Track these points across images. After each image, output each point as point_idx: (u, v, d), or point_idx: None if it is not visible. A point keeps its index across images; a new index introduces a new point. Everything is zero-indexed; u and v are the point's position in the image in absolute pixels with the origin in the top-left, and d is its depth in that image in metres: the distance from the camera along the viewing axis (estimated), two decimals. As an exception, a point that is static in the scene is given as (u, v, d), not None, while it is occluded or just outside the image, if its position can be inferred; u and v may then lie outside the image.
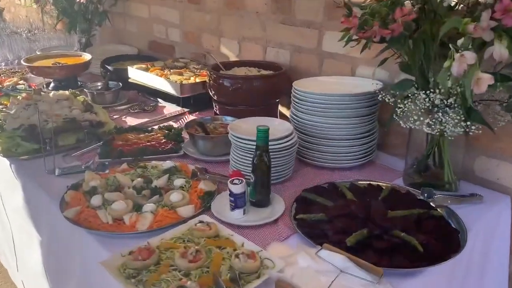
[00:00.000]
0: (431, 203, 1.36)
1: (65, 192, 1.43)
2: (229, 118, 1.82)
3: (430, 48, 1.28)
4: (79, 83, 2.60)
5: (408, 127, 1.36)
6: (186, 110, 2.19)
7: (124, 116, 2.21)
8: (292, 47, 2.02)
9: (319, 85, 1.72)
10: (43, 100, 2.04)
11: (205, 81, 2.17)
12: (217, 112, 2.00)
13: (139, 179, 1.45)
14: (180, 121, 2.13)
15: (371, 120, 1.61)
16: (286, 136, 1.47)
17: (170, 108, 2.27)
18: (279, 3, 2.01)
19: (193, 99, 2.23)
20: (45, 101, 2.07)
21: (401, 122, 1.37)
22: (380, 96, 1.41)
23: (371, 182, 1.49)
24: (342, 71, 1.85)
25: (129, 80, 2.44)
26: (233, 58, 2.33)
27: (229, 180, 1.30)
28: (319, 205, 1.34)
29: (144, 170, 1.55)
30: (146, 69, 2.40)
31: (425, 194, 1.40)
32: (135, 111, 2.26)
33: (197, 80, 2.21)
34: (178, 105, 2.28)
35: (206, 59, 2.51)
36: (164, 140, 1.80)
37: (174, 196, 1.35)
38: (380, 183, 1.49)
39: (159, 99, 2.36)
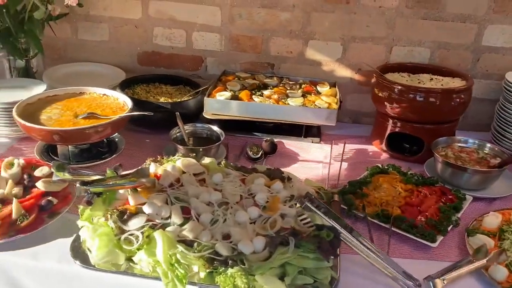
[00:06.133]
0: None
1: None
2: (471, 141, 1.55)
3: None
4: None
5: None
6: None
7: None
8: (435, 44, 1.82)
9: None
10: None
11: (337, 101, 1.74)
12: (395, 129, 1.65)
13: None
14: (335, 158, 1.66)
15: None
16: None
17: (297, 143, 1.73)
18: (422, -4, 1.75)
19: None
20: (187, 183, 1.26)
21: None
22: None
23: None
24: (505, 66, 1.81)
25: (205, 116, 1.69)
26: (328, 63, 1.90)
27: None
28: None
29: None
30: (234, 97, 1.71)
31: None
32: (257, 157, 1.61)
33: (327, 100, 1.73)
34: (298, 136, 1.75)
35: (274, 70, 1.95)
36: (421, 190, 1.40)
37: None
38: None
39: (256, 133, 1.75)
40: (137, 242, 1.07)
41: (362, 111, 1.96)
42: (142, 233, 1.08)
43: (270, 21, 1.86)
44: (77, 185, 1.18)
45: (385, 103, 1.64)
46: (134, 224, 1.11)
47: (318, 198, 1.17)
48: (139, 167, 1.34)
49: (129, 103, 1.55)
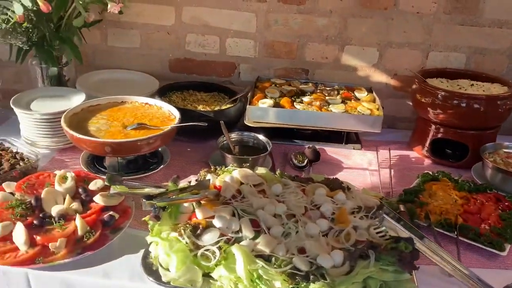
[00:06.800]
0: None
1: None
2: (519, 145, 1.56)
3: None
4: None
5: None
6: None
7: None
8: (471, 50, 1.83)
9: None
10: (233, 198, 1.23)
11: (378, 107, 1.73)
12: (437, 135, 1.66)
13: None
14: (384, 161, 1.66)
15: None
16: None
17: (338, 150, 1.72)
18: (459, 2, 1.75)
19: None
20: (249, 194, 1.24)
21: None
22: None
23: None
24: (541, 69, 1.84)
25: (247, 123, 1.67)
26: (364, 68, 1.90)
27: None
28: None
29: None
30: (276, 104, 1.69)
31: None
32: (303, 165, 1.60)
33: (368, 106, 1.73)
34: (338, 142, 1.75)
35: (308, 75, 1.94)
36: (476, 197, 1.40)
37: None
38: None
39: (295, 140, 1.74)
40: (215, 257, 1.04)
41: (397, 116, 1.96)
42: (219, 248, 1.05)
43: (306, 27, 1.85)
44: (143, 199, 1.15)
45: (428, 108, 1.64)
46: (208, 239, 1.08)
47: (393, 210, 1.16)
48: (198, 179, 1.32)
49: (175, 112, 1.52)
